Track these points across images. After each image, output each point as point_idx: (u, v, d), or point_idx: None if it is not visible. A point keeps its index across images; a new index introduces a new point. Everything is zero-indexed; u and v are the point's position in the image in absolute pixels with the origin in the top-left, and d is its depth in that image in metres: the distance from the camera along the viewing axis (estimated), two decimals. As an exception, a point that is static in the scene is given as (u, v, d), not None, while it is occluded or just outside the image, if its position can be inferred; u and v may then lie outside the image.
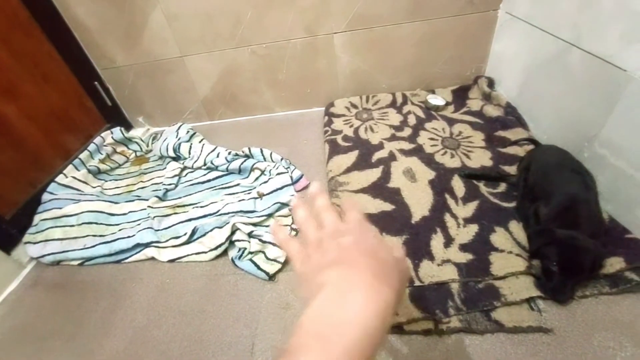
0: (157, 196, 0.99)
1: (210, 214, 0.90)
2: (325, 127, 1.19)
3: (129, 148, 1.29)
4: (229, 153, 1.11)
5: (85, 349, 0.71)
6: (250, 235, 0.81)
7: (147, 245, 0.86)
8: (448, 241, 0.75)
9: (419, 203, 0.84)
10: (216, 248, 0.80)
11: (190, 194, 1.01)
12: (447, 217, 0.80)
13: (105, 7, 1.15)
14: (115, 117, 1.38)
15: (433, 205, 0.84)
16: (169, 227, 0.89)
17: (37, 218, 0.96)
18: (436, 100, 1.21)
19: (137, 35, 1.22)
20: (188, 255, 0.82)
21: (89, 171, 1.13)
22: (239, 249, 0.79)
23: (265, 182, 0.98)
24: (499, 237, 0.74)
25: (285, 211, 0.90)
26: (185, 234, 0.84)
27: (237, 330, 0.68)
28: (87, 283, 0.84)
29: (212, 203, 0.96)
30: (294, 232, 0.85)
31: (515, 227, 0.76)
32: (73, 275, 0.87)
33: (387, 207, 0.85)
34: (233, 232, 0.82)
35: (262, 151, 1.08)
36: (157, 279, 0.81)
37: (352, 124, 1.18)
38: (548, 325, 0.60)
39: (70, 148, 1.17)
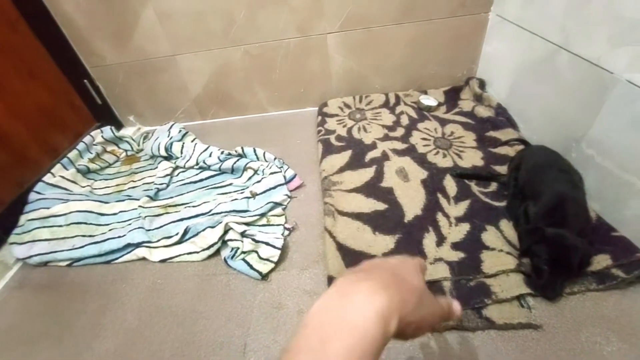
0: (148, 196, 0.98)
1: (202, 214, 0.90)
2: (318, 127, 1.19)
3: (119, 147, 1.27)
4: (222, 152, 1.11)
5: (73, 351, 0.69)
6: (243, 234, 0.80)
7: (138, 245, 0.85)
8: (440, 240, 0.76)
9: (412, 202, 0.85)
10: (208, 248, 0.79)
11: (182, 194, 1.00)
12: (440, 216, 0.81)
13: (95, 4, 1.13)
14: (105, 115, 1.36)
15: (425, 204, 0.84)
16: (161, 227, 0.88)
17: (23, 218, 0.94)
18: (428, 100, 1.22)
19: (128, 33, 1.20)
20: (180, 255, 0.81)
21: (78, 170, 1.11)
22: (232, 249, 0.79)
23: (259, 181, 0.98)
24: (489, 236, 0.75)
25: (278, 210, 0.90)
26: (177, 234, 0.83)
27: (229, 330, 0.68)
28: (76, 284, 0.83)
29: (204, 203, 0.95)
30: (287, 232, 0.85)
31: (506, 225, 0.77)
32: (61, 277, 0.85)
33: (380, 206, 0.85)
34: (226, 232, 0.81)
35: (255, 150, 1.07)
36: (148, 280, 0.80)
37: (346, 124, 1.18)
38: (537, 321, 0.61)
39: (59, 147, 1.15)
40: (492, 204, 0.83)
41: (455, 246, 0.74)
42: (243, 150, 1.09)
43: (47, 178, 1.04)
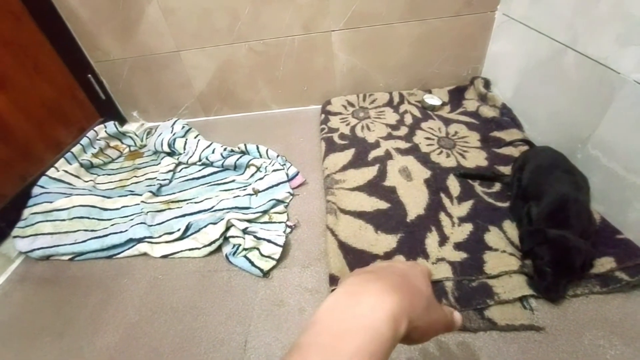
0: (150, 191, 0.98)
1: (204, 210, 0.90)
2: (321, 125, 1.19)
3: (122, 142, 1.27)
4: (225, 149, 1.11)
5: (75, 346, 0.69)
6: (245, 231, 0.80)
7: (139, 240, 0.85)
8: (443, 240, 0.75)
9: (415, 202, 0.85)
10: (210, 244, 0.79)
11: (184, 190, 1.00)
12: (442, 216, 0.80)
13: (100, -1, 1.14)
14: (109, 111, 1.36)
15: (428, 204, 0.84)
16: (163, 222, 0.88)
17: (26, 212, 0.94)
18: (433, 100, 1.22)
19: (133, 29, 1.20)
20: (181, 251, 0.81)
21: (81, 165, 1.11)
22: (234, 245, 0.79)
23: (261, 178, 0.97)
24: (493, 237, 0.74)
25: (280, 208, 0.90)
26: (179, 230, 0.83)
27: (230, 327, 0.68)
28: (78, 278, 0.83)
29: (206, 199, 0.95)
30: (289, 230, 0.84)
31: (509, 226, 0.77)
32: (63, 271, 0.85)
33: (383, 205, 0.85)
34: (227, 229, 0.81)
35: (258, 148, 1.07)
36: (149, 275, 0.80)
37: (349, 122, 1.18)
38: (540, 323, 0.61)
39: (62, 141, 1.15)
40: (496, 205, 0.82)
41: (458, 246, 0.73)
42: (246, 147, 1.09)
43: (51, 172, 1.04)
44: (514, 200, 0.81)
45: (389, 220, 0.81)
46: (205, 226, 0.82)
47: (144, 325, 0.71)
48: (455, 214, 0.81)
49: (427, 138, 1.06)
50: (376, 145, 1.05)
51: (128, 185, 1.07)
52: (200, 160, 1.10)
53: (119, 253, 0.85)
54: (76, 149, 1.13)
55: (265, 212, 0.88)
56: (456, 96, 1.24)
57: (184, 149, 1.14)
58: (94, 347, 0.69)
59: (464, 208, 0.82)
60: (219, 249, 0.81)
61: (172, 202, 0.95)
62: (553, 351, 0.58)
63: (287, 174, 0.98)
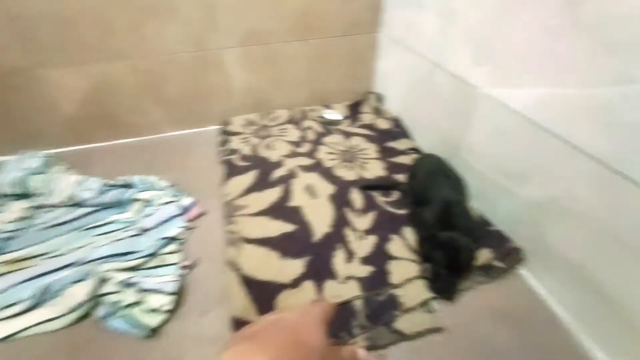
0: (-12, 250, 0.75)
1: (69, 265, 0.72)
2: (220, 147, 1.10)
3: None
4: (104, 184, 0.93)
5: None
6: (125, 284, 0.66)
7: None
8: (349, 256, 0.74)
9: (320, 220, 0.83)
10: (75, 309, 0.62)
11: (43, 242, 0.79)
12: (348, 231, 0.80)
13: None
14: None
15: (334, 220, 0.83)
16: (1, 291, 0.67)
17: None
18: (333, 115, 1.25)
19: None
20: (31, 326, 0.62)
21: None
22: (110, 304, 0.64)
23: (149, 215, 0.84)
24: (395, 245, 0.77)
25: (174, 246, 0.78)
26: (28, 299, 0.64)
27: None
28: None
29: (75, 249, 0.76)
30: (184, 271, 0.73)
31: (409, 233, 0.80)
32: None
33: (288, 227, 0.81)
34: (101, 284, 0.66)
35: (144, 179, 0.93)
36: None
37: (250, 142, 1.12)
38: (441, 324, 0.63)
39: None
40: (396, 213, 0.86)
41: (364, 260, 0.74)
42: (130, 180, 0.93)
43: None
44: (411, 206, 0.86)
45: (295, 243, 0.77)
46: (68, 286, 0.65)
47: None
48: (359, 227, 0.81)
49: (330, 153, 1.07)
50: (279, 164, 1.01)
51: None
52: (69, 199, 0.90)
53: None
54: None
55: (154, 254, 0.75)
56: (354, 110, 1.30)
57: (45, 187, 0.92)
58: None
59: (367, 220, 0.83)
60: (90, 312, 0.65)
61: (20, 260, 0.74)
62: (454, 349, 0.61)
63: (180, 206, 0.86)
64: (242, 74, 1.20)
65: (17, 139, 1.14)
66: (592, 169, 0.55)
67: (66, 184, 0.93)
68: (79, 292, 0.63)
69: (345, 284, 0.69)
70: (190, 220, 0.86)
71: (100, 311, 0.63)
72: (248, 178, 0.96)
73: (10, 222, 0.83)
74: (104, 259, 0.72)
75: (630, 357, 0.55)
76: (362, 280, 0.69)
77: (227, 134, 1.16)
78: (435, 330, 0.63)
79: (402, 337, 0.62)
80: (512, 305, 0.67)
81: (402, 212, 0.86)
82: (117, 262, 0.71)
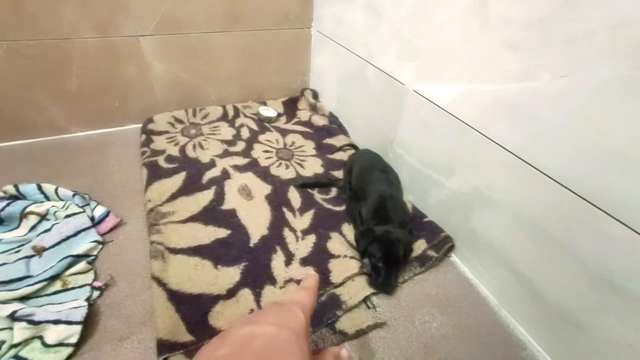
0: None
1: None
2: (142, 148, 0.98)
3: None
4: (-18, 196, 0.75)
5: None
6: (12, 318, 0.54)
7: None
8: (289, 258, 0.71)
9: (257, 222, 0.78)
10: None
11: None
12: (286, 232, 0.77)
13: None
14: None
15: (271, 221, 0.79)
16: None
17: None
18: (268, 111, 1.20)
19: None
20: None
21: None
22: (-9, 347, 0.51)
23: (48, 230, 0.70)
24: (334, 243, 0.76)
25: (81, 266, 0.66)
26: None
27: None
28: None
29: (-60, 281, 0.60)
30: (96, 294, 0.63)
31: (348, 229, 0.80)
32: None
33: (222, 233, 0.75)
34: (-21, 322, 0.52)
35: (40, 188, 0.77)
36: None
37: (178, 142, 1.02)
38: (382, 319, 0.64)
39: None
40: (334, 210, 0.85)
41: (304, 261, 0.71)
42: (18, 190, 0.77)
43: None
44: (348, 202, 0.86)
45: (230, 249, 0.71)
46: None
47: None
48: (298, 227, 0.79)
49: (266, 151, 1.02)
50: (211, 164, 0.93)
51: None
52: None
53: None
54: None
55: (55, 277, 0.63)
56: (290, 107, 1.27)
57: None
58: None
59: (306, 219, 0.81)
60: (-37, 359, 0.51)
61: None
62: (395, 342, 0.61)
63: (91, 217, 0.74)
64: (164, 66, 1.08)
65: None
66: (506, 159, 0.60)
67: None
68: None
69: (285, 289, 0.65)
70: (104, 233, 0.74)
71: (-24, 358, 0.50)
72: (175, 181, 0.86)
73: None
74: (-18, 291, 0.58)
75: (543, 327, 0.61)
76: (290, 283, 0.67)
77: (150, 133, 1.04)
78: (377, 326, 0.63)
79: (345, 337, 0.60)
80: (446, 292, 0.71)
81: (340, 209, 0.86)
82: (3, 291, 0.57)
